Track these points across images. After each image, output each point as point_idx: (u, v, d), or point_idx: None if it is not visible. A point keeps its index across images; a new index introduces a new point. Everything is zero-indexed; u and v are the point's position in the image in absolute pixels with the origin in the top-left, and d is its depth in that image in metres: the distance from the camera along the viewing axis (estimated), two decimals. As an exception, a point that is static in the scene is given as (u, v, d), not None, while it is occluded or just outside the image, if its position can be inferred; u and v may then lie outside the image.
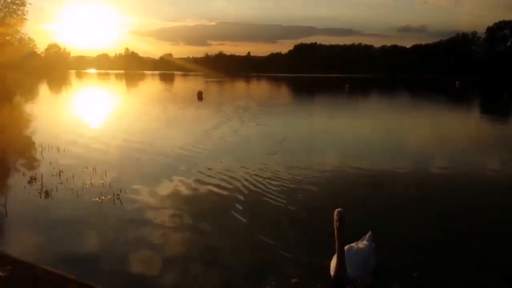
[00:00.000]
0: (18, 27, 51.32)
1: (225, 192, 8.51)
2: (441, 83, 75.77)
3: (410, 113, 27.05)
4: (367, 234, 5.54)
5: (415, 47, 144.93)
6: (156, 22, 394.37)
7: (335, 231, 4.81)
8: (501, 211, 7.82)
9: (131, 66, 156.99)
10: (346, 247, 5.12)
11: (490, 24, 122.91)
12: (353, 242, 5.38)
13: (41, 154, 11.67)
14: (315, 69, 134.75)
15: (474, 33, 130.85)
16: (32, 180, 9.03)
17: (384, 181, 9.68)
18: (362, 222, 6.62)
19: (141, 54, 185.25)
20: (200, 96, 33.94)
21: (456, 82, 61.74)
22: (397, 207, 7.89)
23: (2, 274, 4.14)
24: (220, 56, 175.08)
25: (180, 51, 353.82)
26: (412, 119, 23.51)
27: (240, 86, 66.50)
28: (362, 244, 5.32)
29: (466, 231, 6.73)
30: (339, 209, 4.85)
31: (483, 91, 59.19)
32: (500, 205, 8.13)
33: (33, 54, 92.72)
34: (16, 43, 54.54)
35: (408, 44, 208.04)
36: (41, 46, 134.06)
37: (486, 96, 49.04)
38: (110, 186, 8.67)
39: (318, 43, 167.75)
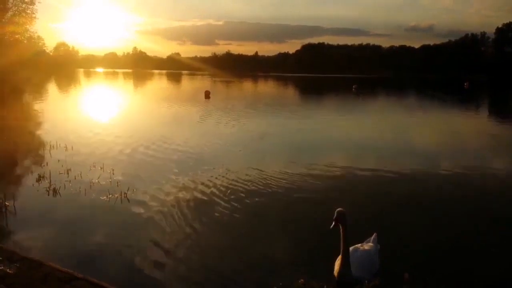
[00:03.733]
0: (28, 26, 51.68)
1: (230, 191, 8.50)
2: (449, 83, 75.28)
3: (419, 113, 26.81)
4: (373, 236, 5.52)
5: (424, 47, 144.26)
6: (163, 21, 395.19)
7: (340, 232, 4.84)
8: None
9: (139, 65, 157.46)
10: (351, 248, 5.13)
11: (499, 25, 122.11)
12: (359, 243, 5.37)
13: (50, 152, 11.74)
14: (323, 69, 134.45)
15: (483, 34, 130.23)
16: (40, 178, 9.08)
17: (391, 182, 9.64)
18: (368, 223, 6.61)
19: (148, 53, 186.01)
20: (207, 95, 34.12)
21: (465, 83, 61.38)
22: (404, 208, 7.86)
23: (10, 271, 4.16)
24: (228, 55, 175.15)
25: (187, 50, 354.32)
26: (420, 120, 23.32)
27: (247, 86, 66.48)
28: (367, 245, 5.30)
29: (475, 234, 6.67)
30: (340, 208, 4.86)
31: (491, 91, 58.79)
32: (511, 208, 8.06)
33: (42, 52, 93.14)
34: (25, 41, 54.89)
35: (416, 44, 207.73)
36: (50, 45, 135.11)
37: (495, 96, 48.71)
38: (117, 185, 8.70)
39: (326, 43, 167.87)
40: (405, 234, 6.54)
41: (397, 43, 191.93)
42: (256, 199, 8.13)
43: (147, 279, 5.09)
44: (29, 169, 10.02)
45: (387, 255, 5.47)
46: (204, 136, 15.58)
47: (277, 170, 10.11)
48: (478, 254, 5.94)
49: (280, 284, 4.93)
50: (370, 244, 5.36)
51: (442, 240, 6.35)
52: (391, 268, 5.30)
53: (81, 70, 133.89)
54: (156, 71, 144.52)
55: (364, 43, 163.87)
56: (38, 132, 16.52)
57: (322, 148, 13.79)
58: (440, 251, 5.98)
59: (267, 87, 63.27)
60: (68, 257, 5.49)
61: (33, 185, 8.70)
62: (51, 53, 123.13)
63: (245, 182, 9.14)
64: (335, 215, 4.85)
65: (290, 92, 53.04)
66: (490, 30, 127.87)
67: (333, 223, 4.85)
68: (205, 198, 8.13)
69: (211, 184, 8.95)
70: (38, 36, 74.65)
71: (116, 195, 8.06)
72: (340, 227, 4.86)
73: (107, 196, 8.02)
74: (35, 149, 12.61)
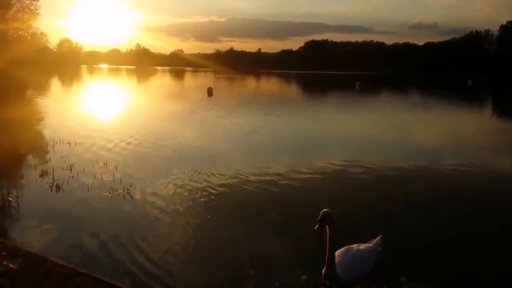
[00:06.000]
0: (31, 22, 51.74)
1: (232, 189, 8.51)
2: (453, 81, 75.04)
3: (422, 111, 26.72)
4: (377, 238, 5.44)
5: (427, 45, 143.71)
6: (166, 18, 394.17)
7: (327, 233, 4.79)
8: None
9: (142, 62, 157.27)
10: (344, 248, 5.09)
11: (504, 22, 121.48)
12: (363, 243, 5.32)
13: (53, 148, 11.76)
14: (326, 66, 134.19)
15: (487, 31, 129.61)
16: (43, 173, 9.10)
17: (391, 181, 9.61)
18: (367, 223, 6.65)
19: (151, 50, 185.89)
20: (210, 92, 34.07)
21: (468, 80, 61.32)
22: (404, 208, 7.78)
23: (13, 267, 4.18)
24: (231, 52, 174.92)
25: (190, 47, 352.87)
26: (424, 118, 23.23)
27: (250, 83, 66.45)
28: (363, 246, 5.22)
29: (475, 234, 6.62)
30: (325, 209, 4.81)
31: (495, 89, 58.63)
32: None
33: (45, 49, 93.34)
34: (29, 37, 54.98)
35: (419, 41, 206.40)
36: (53, 41, 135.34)
37: (498, 94, 48.53)
38: (120, 181, 8.72)
39: (329, 40, 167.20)
40: (404, 234, 6.49)
41: (400, 40, 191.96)
42: (258, 196, 8.12)
43: (149, 275, 5.09)
44: (32, 165, 10.04)
45: (386, 255, 5.43)
46: (207, 134, 15.61)
47: (279, 168, 10.09)
48: (478, 255, 5.89)
49: (282, 281, 4.93)
50: (368, 244, 5.28)
51: (441, 241, 6.29)
52: (389, 268, 5.25)
53: (85, 66, 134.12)
54: (159, 68, 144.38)
55: (368, 40, 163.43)
56: (42, 128, 16.55)
57: (325, 146, 13.76)
58: (440, 251, 5.94)
59: (270, 85, 63.24)
60: (71, 253, 5.51)
61: (36, 180, 8.72)
62: (54, 50, 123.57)
63: (247, 180, 9.13)
64: (319, 215, 4.80)
65: (293, 90, 53.00)
66: (494, 28, 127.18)
67: (317, 224, 4.79)
68: (207, 195, 8.12)
69: (213, 181, 8.94)
70: (42, 32, 74.87)
71: (119, 191, 8.08)
72: (327, 228, 4.81)
73: (110, 192, 8.04)
74: (38, 145, 12.65)
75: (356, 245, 5.23)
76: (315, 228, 4.80)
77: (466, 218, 7.26)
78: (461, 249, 6.07)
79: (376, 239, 5.41)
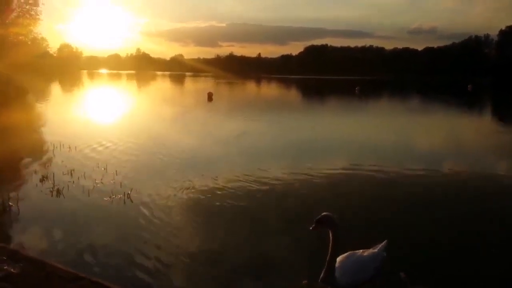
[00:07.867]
0: (32, 27, 51.82)
1: (232, 193, 8.50)
2: (453, 86, 75.08)
3: (422, 116, 26.74)
4: (382, 243, 5.39)
5: (427, 50, 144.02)
6: (166, 23, 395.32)
7: (330, 236, 4.77)
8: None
9: (142, 67, 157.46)
10: (347, 254, 5.07)
11: (503, 27, 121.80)
12: (368, 249, 5.29)
13: (53, 153, 11.77)
14: (326, 71, 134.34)
15: (486, 36, 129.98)
16: (44, 178, 9.10)
17: (391, 184, 9.60)
18: (374, 227, 6.61)
19: (152, 55, 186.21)
20: (210, 97, 34.15)
21: (468, 85, 61.36)
22: (404, 209, 7.81)
23: (13, 271, 4.17)
24: (231, 57, 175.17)
25: (190, 52, 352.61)
26: (424, 122, 23.25)
27: (251, 88, 66.55)
28: (367, 251, 5.20)
29: (475, 234, 6.61)
30: (327, 213, 4.79)
31: (495, 94, 58.67)
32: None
33: (46, 54, 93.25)
34: (29, 42, 55.11)
35: (419, 46, 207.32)
36: (53, 46, 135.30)
37: (498, 99, 48.57)
38: (121, 186, 8.72)
39: (328, 45, 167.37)
40: (405, 235, 6.48)
41: (400, 45, 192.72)
42: (259, 200, 8.12)
43: (149, 279, 5.10)
44: (32, 170, 10.04)
45: (388, 258, 5.40)
46: (208, 138, 15.61)
47: (280, 173, 10.09)
48: (478, 255, 5.90)
49: (283, 284, 4.93)
50: (371, 250, 5.25)
51: (442, 242, 6.31)
52: (390, 272, 5.23)
53: (85, 71, 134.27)
54: (159, 73, 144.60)
55: (367, 45, 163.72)
56: (42, 133, 16.57)
57: (326, 150, 13.77)
58: (441, 252, 5.95)
59: (270, 89, 63.34)
60: (71, 257, 5.51)
61: (36, 185, 8.72)
62: (55, 54, 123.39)
63: (248, 184, 9.13)
64: (319, 216, 4.77)
65: (293, 95, 53.07)
66: (494, 32, 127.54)
67: (314, 224, 4.76)
68: (207, 199, 8.13)
69: (213, 186, 8.94)
70: (42, 37, 74.65)
71: (119, 196, 8.08)
72: (329, 232, 4.79)
73: (110, 197, 8.04)
74: (38, 150, 12.64)
75: (361, 250, 5.18)
76: (311, 228, 4.75)
77: (466, 219, 7.27)
78: (461, 249, 6.08)
79: (381, 244, 5.36)
